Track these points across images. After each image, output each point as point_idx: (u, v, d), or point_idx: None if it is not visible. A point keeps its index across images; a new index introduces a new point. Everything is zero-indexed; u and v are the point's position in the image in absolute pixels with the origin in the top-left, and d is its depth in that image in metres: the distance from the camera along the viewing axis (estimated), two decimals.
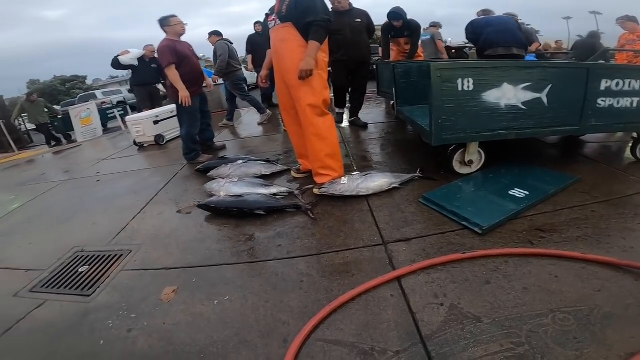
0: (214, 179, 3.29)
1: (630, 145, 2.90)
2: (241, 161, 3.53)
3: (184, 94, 3.89)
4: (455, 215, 2.18)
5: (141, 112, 6.85)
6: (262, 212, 2.55)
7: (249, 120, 7.02)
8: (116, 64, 6.54)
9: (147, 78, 6.79)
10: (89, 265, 2.28)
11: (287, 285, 1.80)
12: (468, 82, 2.42)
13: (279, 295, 1.74)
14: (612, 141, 3.42)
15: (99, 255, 2.39)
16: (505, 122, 2.54)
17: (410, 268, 1.75)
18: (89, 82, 46.02)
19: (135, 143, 6.04)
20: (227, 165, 3.49)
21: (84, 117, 8.52)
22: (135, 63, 6.61)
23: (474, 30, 4.38)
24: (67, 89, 41.69)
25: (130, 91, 11.60)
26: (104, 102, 12.01)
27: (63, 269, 2.30)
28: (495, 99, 2.47)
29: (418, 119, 3.11)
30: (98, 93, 18.64)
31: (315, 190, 2.77)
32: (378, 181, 2.68)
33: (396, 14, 5.16)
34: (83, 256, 2.41)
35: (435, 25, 7.67)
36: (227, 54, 6.10)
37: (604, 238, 1.85)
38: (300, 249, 2.12)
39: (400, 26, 5.29)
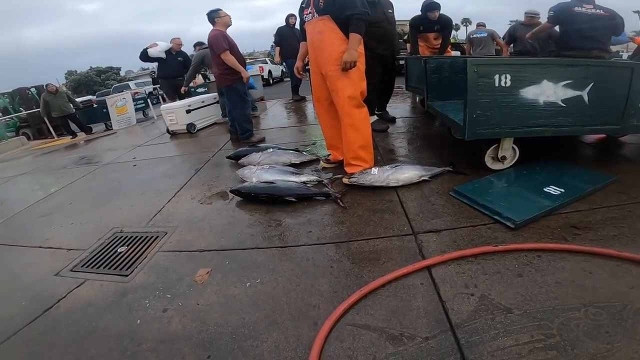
0: (245, 165, 3.37)
1: None
2: (271, 149, 3.60)
3: (246, 74, 4.46)
4: (486, 209, 2.16)
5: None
6: (293, 199, 2.60)
7: (276, 111, 7.10)
8: (144, 56, 6.73)
9: (172, 71, 6.92)
10: (127, 245, 2.38)
11: (317, 270, 1.84)
12: (505, 78, 2.37)
13: (310, 280, 1.77)
14: None
15: (136, 236, 2.49)
16: (543, 118, 2.48)
17: (440, 258, 1.76)
18: (122, 73, 47.55)
19: (168, 131, 6.23)
20: (257, 153, 3.57)
21: (119, 106, 8.89)
22: (163, 56, 6.78)
23: (563, 18, 4.17)
24: (102, 80, 43.20)
25: (154, 83, 11.72)
26: (136, 93, 12.36)
27: (103, 248, 2.39)
28: (534, 96, 2.42)
29: (450, 114, 3.08)
30: (131, 84, 19.30)
31: (345, 180, 2.80)
32: (408, 173, 2.69)
33: (434, 4, 5.04)
34: (122, 237, 2.52)
35: (482, 24, 7.58)
36: (198, 60, 6.34)
37: None
38: (330, 236, 2.15)
39: (436, 18, 5.19)
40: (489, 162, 2.75)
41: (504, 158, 2.71)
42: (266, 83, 17.80)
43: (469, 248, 1.82)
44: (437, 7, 5.06)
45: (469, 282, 1.60)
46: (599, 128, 2.60)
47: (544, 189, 2.32)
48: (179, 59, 6.95)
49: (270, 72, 19.14)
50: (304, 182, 2.86)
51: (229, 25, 4.53)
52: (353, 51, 2.61)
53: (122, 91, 11.57)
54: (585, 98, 2.44)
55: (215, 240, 2.29)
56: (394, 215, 2.30)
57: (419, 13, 5.25)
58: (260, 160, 3.42)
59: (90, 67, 47.64)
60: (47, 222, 3.05)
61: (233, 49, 4.41)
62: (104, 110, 9.20)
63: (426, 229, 2.09)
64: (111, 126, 9.11)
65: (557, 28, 4.44)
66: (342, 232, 2.18)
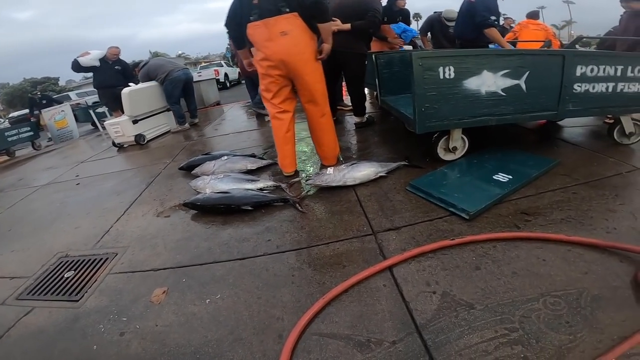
0: (199, 176, 3.24)
1: (607, 128, 2.96)
2: (226, 157, 3.48)
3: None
4: (442, 201, 2.20)
5: (111, 115, 6.69)
6: (250, 208, 2.52)
7: (233, 115, 6.93)
8: (76, 66, 6.38)
9: (110, 80, 6.57)
10: (75, 270, 2.23)
11: (278, 280, 1.79)
12: (449, 70, 2.43)
13: (271, 291, 1.72)
14: (589, 125, 3.49)
15: (84, 260, 2.33)
16: (486, 108, 2.56)
17: (400, 257, 1.76)
18: (61, 83, 44.76)
19: (114, 144, 5.88)
20: (211, 161, 3.43)
21: (58, 119, 8.25)
22: (97, 64, 6.44)
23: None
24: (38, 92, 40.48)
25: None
26: (78, 103, 11.62)
27: (48, 275, 2.24)
28: (476, 86, 2.49)
29: (402, 108, 3.12)
30: (72, 94, 18.13)
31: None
32: (364, 170, 2.69)
33: None
34: (68, 261, 2.35)
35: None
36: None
37: (586, 220, 1.89)
38: (290, 243, 2.11)
39: (403, 7, 5.24)
40: (441, 153, 2.81)
41: (455, 149, 2.78)
42: (222, 86, 17.44)
43: (427, 244, 1.84)
44: None
45: (430, 280, 1.61)
46: (538, 114, 2.71)
47: (494, 177, 2.40)
48: (116, 67, 6.62)
49: (226, 75, 18.85)
50: (260, 189, 2.78)
51: None
52: None
53: (62, 103, 10.80)
54: (523, 86, 2.54)
55: (170, 257, 2.18)
56: (353, 215, 2.28)
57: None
58: (215, 169, 3.30)
59: (24, 78, 44.55)
60: None
61: None
62: None
63: (385, 227, 2.09)
64: None
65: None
66: (301, 238, 2.14)
